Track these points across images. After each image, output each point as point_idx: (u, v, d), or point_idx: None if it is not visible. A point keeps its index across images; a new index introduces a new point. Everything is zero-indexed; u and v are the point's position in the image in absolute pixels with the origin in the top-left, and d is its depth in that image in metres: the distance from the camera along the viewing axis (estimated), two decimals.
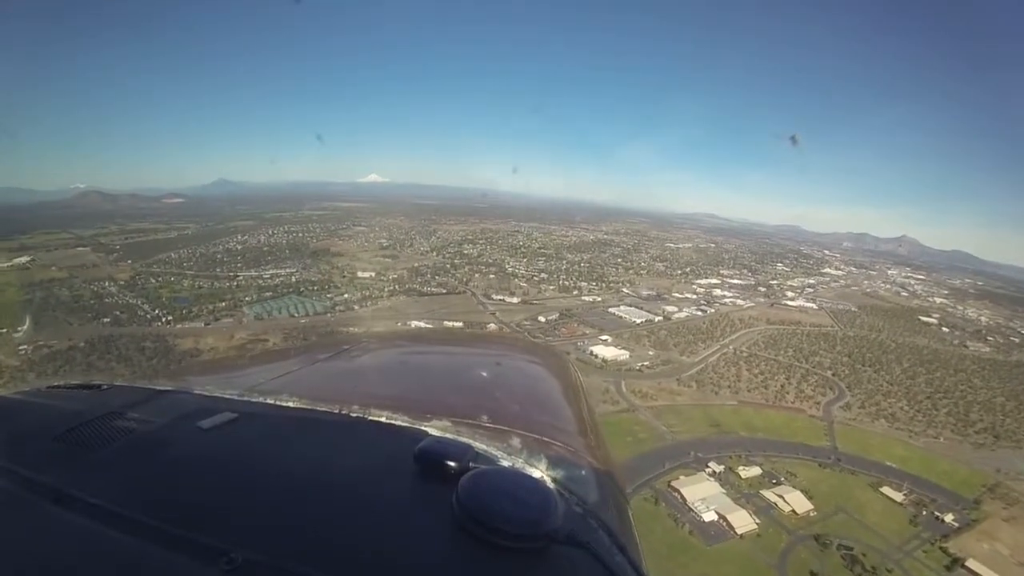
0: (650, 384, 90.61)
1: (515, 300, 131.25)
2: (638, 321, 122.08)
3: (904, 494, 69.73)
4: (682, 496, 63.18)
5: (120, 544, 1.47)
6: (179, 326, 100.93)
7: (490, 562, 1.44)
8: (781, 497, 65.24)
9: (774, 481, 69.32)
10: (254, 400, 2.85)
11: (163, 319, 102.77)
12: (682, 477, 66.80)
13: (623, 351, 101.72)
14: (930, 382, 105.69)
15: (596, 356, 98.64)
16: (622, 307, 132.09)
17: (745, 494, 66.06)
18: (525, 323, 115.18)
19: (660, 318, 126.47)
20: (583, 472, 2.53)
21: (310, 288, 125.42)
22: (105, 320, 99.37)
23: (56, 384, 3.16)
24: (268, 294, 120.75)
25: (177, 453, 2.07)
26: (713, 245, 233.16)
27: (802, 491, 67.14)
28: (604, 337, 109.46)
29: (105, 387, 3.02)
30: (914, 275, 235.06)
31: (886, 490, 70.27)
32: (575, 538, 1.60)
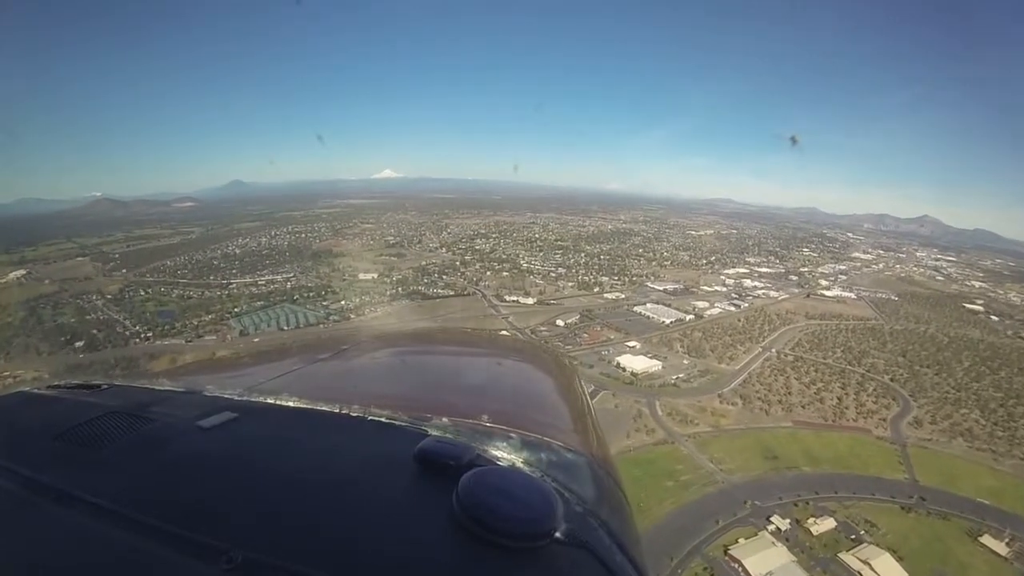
0: (689, 403, 74.53)
1: (530, 301, 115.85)
2: (668, 321, 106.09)
3: (1007, 543, 54.00)
4: (744, 570, 47.38)
5: (120, 543, 1.44)
6: (159, 343, 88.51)
7: (490, 562, 1.39)
8: (867, 564, 49.02)
9: (853, 537, 53.09)
10: (254, 400, 2.70)
11: (142, 336, 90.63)
12: (741, 540, 50.75)
13: (654, 361, 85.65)
14: (997, 384, 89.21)
15: (624, 368, 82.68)
16: (648, 305, 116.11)
17: (821, 560, 50.13)
18: (541, 329, 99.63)
19: (691, 316, 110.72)
20: (583, 472, 2.40)
21: (305, 295, 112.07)
22: (78, 344, 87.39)
23: (56, 384, 3.00)
24: (259, 303, 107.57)
25: (177, 452, 2.04)
26: (734, 231, 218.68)
27: (889, 550, 51.10)
28: (632, 343, 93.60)
29: (105, 387, 2.90)
30: (944, 257, 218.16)
31: (986, 540, 54.37)
32: (575, 538, 1.57)
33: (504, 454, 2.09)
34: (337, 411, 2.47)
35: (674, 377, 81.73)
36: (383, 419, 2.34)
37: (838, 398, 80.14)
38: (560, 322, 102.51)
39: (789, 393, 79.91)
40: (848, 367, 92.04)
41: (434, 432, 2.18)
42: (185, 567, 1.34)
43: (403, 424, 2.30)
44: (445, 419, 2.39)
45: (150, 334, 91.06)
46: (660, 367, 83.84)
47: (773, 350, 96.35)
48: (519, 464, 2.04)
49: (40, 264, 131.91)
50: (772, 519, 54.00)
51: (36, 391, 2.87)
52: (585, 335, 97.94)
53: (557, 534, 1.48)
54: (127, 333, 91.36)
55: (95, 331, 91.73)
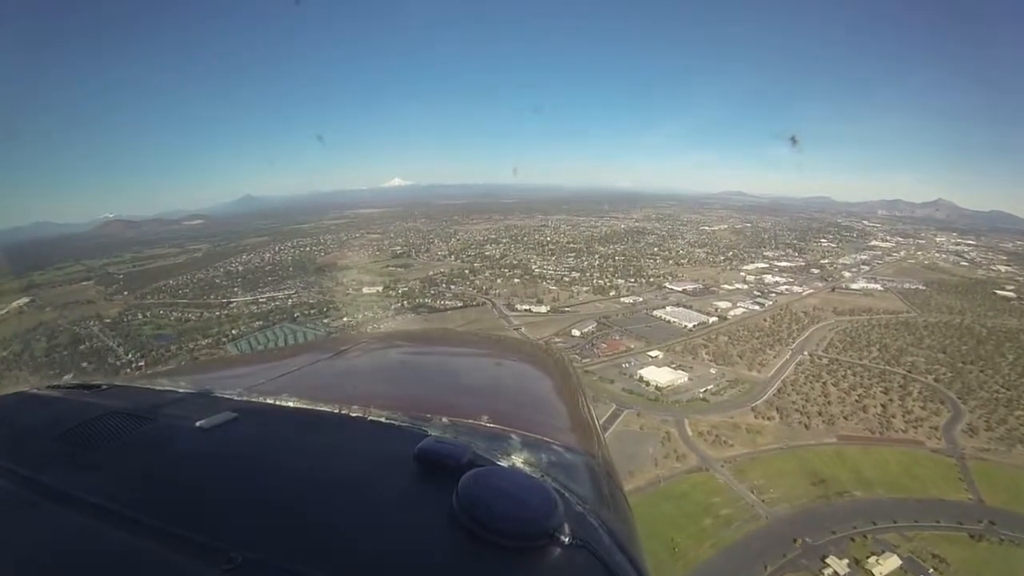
0: (720, 420, 66.32)
1: (543, 309, 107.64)
2: (690, 325, 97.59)
3: None
4: None
5: (120, 544, 1.44)
6: (149, 372, 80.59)
7: (490, 562, 1.39)
8: None
9: None
10: (254, 400, 2.73)
11: (134, 365, 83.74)
12: None
13: (679, 372, 77.30)
14: None
15: (647, 382, 74.39)
16: (668, 308, 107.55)
17: None
18: (556, 340, 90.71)
19: (714, 318, 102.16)
20: (583, 472, 2.35)
21: (306, 312, 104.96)
22: (67, 377, 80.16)
23: (56, 384, 3.09)
24: (258, 324, 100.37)
25: (177, 453, 2.07)
26: (748, 224, 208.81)
27: None
28: (653, 353, 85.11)
29: (105, 387, 2.98)
30: (963, 241, 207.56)
31: None
32: (575, 538, 1.53)
33: (504, 454, 2.07)
34: (337, 411, 2.46)
35: (702, 390, 73.55)
36: (383, 419, 2.34)
37: (882, 405, 71.51)
38: (576, 331, 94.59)
39: (828, 403, 71.46)
40: (887, 368, 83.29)
41: (434, 432, 2.18)
42: (185, 567, 1.33)
43: (403, 424, 2.30)
44: (445, 419, 2.39)
45: (142, 363, 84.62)
46: (686, 379, 75.73)
47: (805, 352, 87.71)
48: (519, 464, 2.02)
49: (46, 288, 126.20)
50: (828, 560, 45.74)
51: (36, 391, 2.88)
52: (603, 345, 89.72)
53: (557, 534, 1.47)
54: (118, 363, 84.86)
55: (85, 363, 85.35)
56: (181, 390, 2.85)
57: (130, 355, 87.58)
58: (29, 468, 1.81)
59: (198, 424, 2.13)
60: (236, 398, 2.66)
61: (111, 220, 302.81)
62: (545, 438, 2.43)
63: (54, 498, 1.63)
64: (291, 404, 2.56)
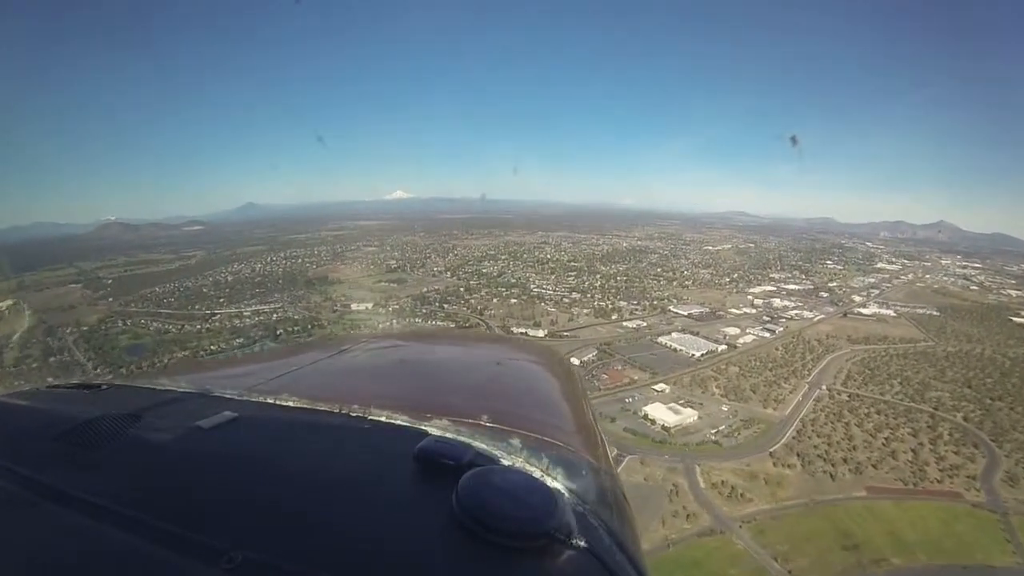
0: (735, 468, 58.20)
1: (541, 333, 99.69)
2: (698, 354, 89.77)
3: None
4: None
5: (120, 544, 1.42)
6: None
7: (490, 562, 1.37)
8: None
9: None
10: (254, 400, 2.68)
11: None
12: None
13: (688, 410, 69.29)
14: None
15: (653, 421, 66.47)
16: (674, 335, 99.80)
17: None
18: None
19: (724, 346, 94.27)
20: (583, 472, 2.29)
21: (290, 329, 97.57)
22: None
23: (56, 384, 3.08)
24: (239, 340, 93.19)
25: (177, 453, 2.05)
26: (752, 245, 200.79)
27: None
28: (659, 386, 77.19)
29: (105, 387, 2.90)
30: (969, 264, 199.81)
31: None
32: (575, 537, 1.51)
33: (504, 454, 2.05)
34: (337, 411, 2.44)
35: (714, 431, 65.64)
36: (383, 419, 2.33)
37: (912, 450, 63.65)
38: (575, 360, 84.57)
39: (853, 447, 63.48)
40: (912, 404, 75.69)
41: (434, 432, 2.16)
42: (185, 567, 1.31)
43: (403, 424, 2.29)
44: (445, 419, 2.36)
45: (110, 376, 76.92)
46: (696, 418, 67.82)
47: (823, 386, 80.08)
48: (519, 464, 1.99)
49: (33, 291, 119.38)
50: None
51: (36, 391, 2.87)
52: (605, 375, 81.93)
53: (557, 534, 1.45)
54: (83, 379, 77.28)
55: (50, 378, 77.75)
56: (181, 390, 2.73)
57: (98, 370, 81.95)
58: (29, 468, 1.78)
59: (198, 424, 2.12)
60: (236, 398, 2.59)
61: (110, 222, 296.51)
62: (545, 438, 2.36)
63: (54, 498, 1.61)
64: (291, 404, 2.51)
